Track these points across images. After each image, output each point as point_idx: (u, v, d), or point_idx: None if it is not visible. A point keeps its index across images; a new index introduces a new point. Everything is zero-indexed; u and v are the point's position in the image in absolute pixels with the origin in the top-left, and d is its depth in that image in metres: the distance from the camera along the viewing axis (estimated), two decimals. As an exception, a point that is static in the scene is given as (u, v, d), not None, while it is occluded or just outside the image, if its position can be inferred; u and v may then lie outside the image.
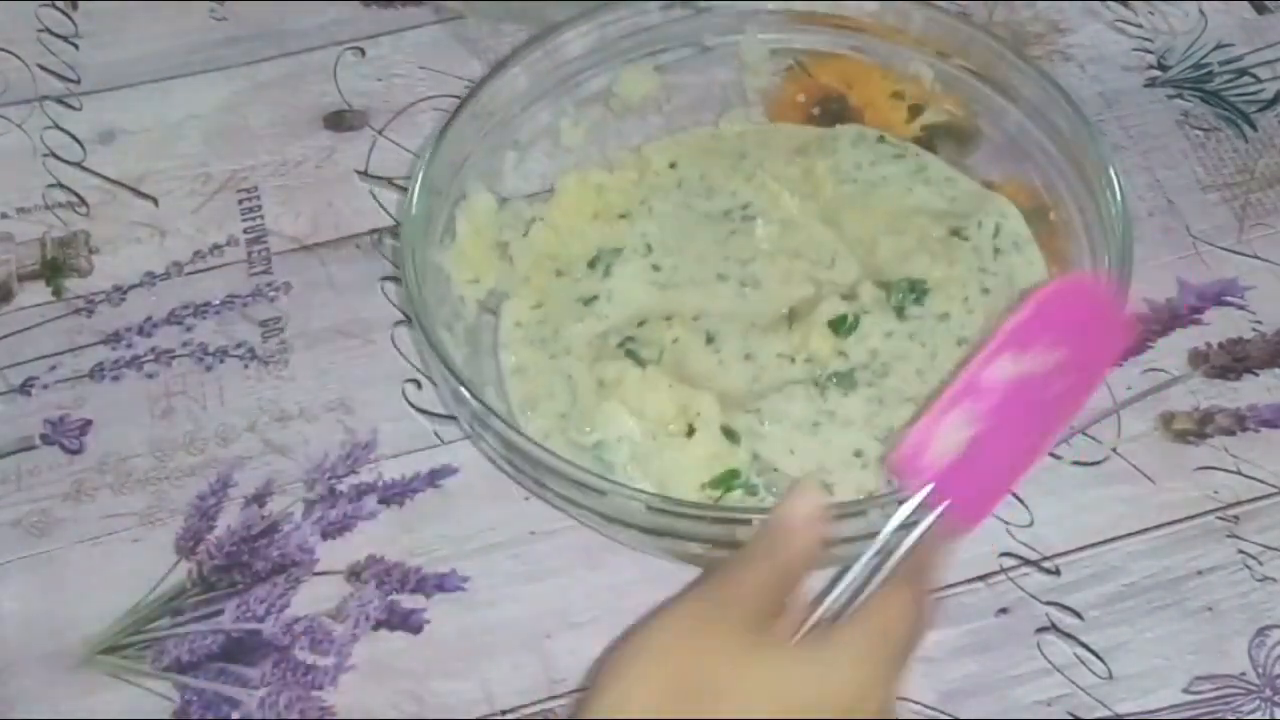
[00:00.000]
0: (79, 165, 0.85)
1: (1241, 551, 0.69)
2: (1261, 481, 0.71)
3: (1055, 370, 0.54)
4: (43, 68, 0.90)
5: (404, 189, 0.81)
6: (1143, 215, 0.80)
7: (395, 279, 0.80)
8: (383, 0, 0.92)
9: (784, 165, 0.80)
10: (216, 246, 0.82)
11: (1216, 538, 0.70)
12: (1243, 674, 0.66)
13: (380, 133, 0.85)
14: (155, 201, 0.84)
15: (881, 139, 0.81)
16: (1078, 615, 0.68)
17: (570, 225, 0.79)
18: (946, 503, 0.53)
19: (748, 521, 0.63)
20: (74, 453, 0.75)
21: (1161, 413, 0.74)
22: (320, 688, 0.67)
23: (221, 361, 0.78)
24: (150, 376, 0.77)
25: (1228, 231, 0.80)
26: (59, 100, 0.88)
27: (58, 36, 0.92)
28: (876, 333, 0.73)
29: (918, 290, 0.74)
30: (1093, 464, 0.72)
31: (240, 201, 0.83)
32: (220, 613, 0.69)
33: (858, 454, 0.70)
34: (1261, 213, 0.81)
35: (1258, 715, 0.65)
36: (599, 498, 0.63)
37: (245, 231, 0.82)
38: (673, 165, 0.81)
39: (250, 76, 0.89)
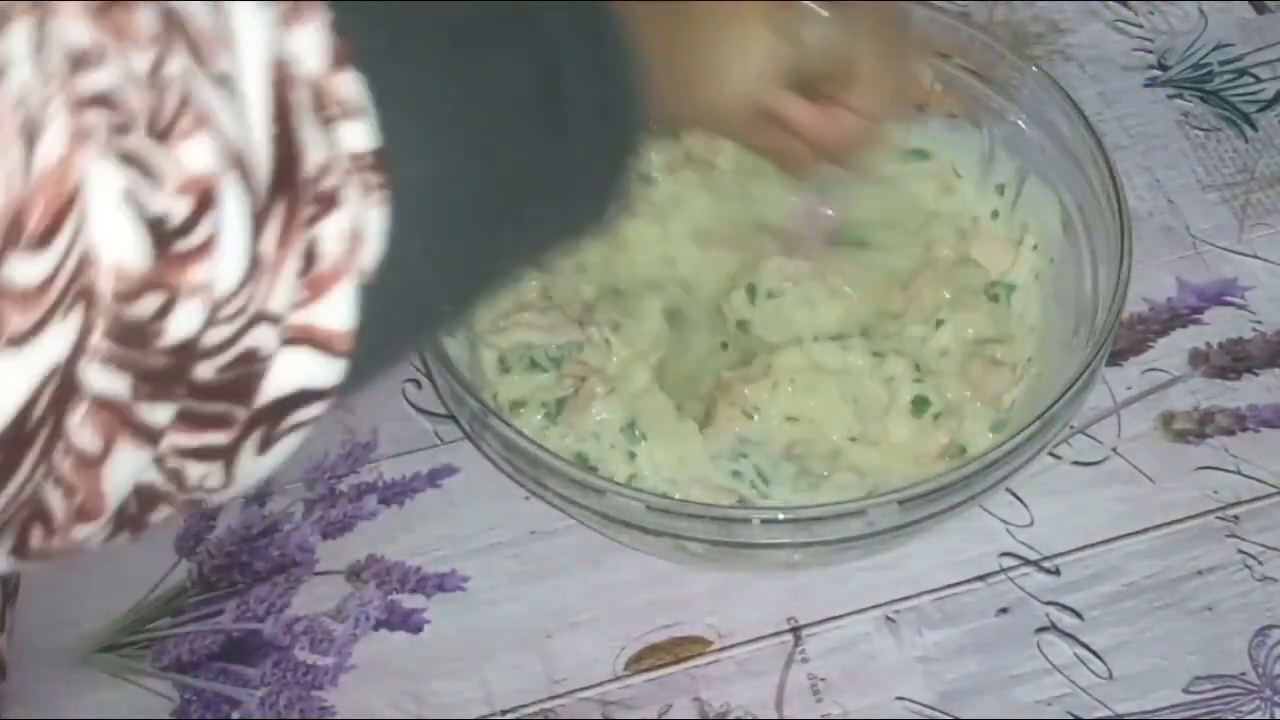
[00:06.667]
0: (79, 165, 0.85)
1: (1241, 551, 0.69)
2: (1261, 481, 0.71)
3: None
4: (43, 67, 0.90)
5: (404, 189, 0.81)
6: (1143, 215, 0.80)
7: (395, 279, 0.79)
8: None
9: None
10: (216, 246, 0.81)
11: (1216, 538, 0.70)
12: (1243, 674, 0.66)
13: (380, 132, 0.85)
14: (155, 201, 0.84)
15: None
16: (1078, 615, 0.68)
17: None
18: None
19: (748, 521, 0.63)
20: (74, 452, 0.75)
21: (1161, 413, 0.73)
22: (320, 688, 0.67)
23: (221, 361, 0.77)
24: (150, 376, 0.77)
25: (1228, 231, 0.80)
26: (59, 100, 0.88)
27: (58, 36, 0.91)
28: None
29: None
30: (1092, 464, 0.72)
31: (240, 201, 0.83)
32: (220, 612, 0.69)
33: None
34: (1261, 213, 0.80)
35: (1258, 715, 0.65)
36: (599, 498, 0.63)
37: (245, 231, 0.82)
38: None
39: (250, 76, 0.88)
